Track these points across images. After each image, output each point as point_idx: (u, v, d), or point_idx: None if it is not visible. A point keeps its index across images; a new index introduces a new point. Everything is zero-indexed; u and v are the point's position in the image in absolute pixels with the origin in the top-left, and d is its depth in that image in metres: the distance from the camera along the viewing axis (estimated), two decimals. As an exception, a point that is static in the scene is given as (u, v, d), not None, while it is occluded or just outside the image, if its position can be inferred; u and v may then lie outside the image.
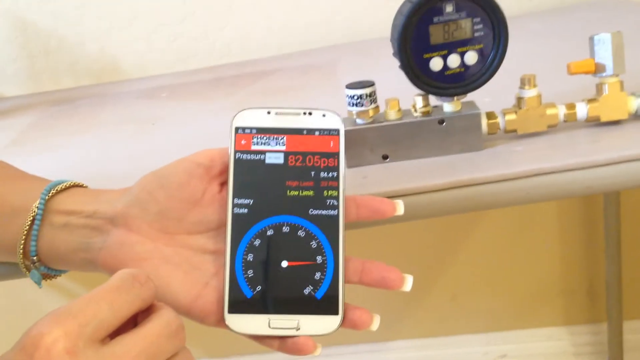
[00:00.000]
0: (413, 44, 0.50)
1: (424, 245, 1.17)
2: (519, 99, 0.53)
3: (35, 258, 0.44)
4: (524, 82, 0.52)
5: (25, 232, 0.43)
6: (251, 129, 0.42)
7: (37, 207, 0.43)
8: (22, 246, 0.43)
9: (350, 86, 0.52)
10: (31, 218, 0.43)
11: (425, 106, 0.53)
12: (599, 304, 1.18)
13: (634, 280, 1.14)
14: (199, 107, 0.81)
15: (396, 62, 0.51)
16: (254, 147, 0.42)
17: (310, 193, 0.42)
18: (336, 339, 1.27)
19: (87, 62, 1.04)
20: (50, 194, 0.44)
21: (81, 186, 0.46)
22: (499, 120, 0.53)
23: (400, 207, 0.42)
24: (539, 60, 0.75)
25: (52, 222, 0.43)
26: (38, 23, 1.02)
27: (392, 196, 0.48)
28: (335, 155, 0.42)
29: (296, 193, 0.42)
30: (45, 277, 0.46)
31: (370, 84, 0.52)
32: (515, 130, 0.53)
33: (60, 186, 0.44)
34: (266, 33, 1.01)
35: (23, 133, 0.82)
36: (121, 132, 0.76)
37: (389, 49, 0.52)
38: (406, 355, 1.24)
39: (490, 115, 0.53)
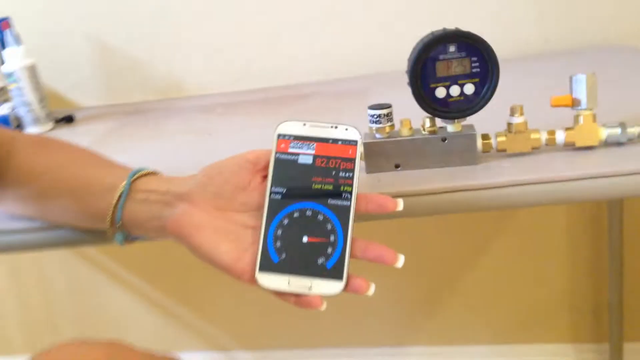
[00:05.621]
0: (422, 76, 0.61)
1: (439, 261, 1.27)
2: (509, 124, 0.64)
3: (119, 224, 0.57)
4: (514, 111, 0.64)
5: (114, 204, 0.56)
6: (289, 136, 0.54)
7: (125, 187, 0.56)
8: (110, 215, 0.57)
9: (371, 107, 0.65)
10: (119, 194, 0.56)
11: (432, 126, 0.64)
12: (603, 324, 1.25)
13: (635, 303, 1.21)
14: (248, 122, 0.94)
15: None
16: (290, 150, 0.54)
17: (330, 187, 0.53)
18: (343, 341, 1.36)
19: (155, 80, 1.18)
20: (134, 177, 0.57)
21: (157, 173, 0.59)
22: (492, 140, 0.64)
23: (400, 204, 0.53)
24: (534, 92, 0.85)
25: (134, 198, 0.56)
26: (115, 45, 1.17)
27: (400, 196, 0.59)
28: (353, 160, 0.53)
29: (319, 186, 0.53)
30: (125, 241, 0.59)
31: (387, 106, 0.64)
32: (505, 150, 0.64)
33: (142, 172, 0.58)
34: (308, 61, 1.13)
35: (100, 138, 0.96)
36: (183, 141, 0.89)
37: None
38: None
39: (484, 137, 0.64)
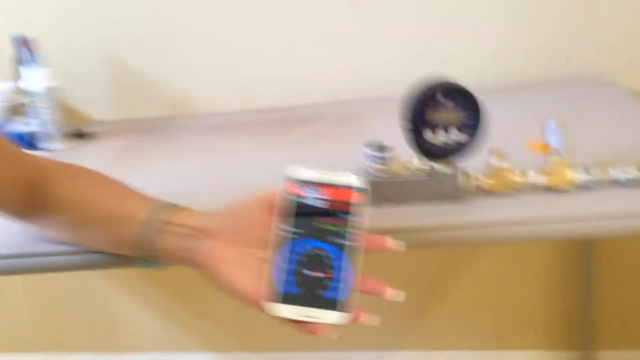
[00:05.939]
0: (416, 123, 0.69)
1: (428, 272, 1.35)
2: (492, 167, 0.72)
3: (148, 253, 0.64)
4: (495, 155, 0.72)
5: (145, 235, 0.63)
6: (300, 180, 0.60)
7: (154, 219, 0.63)
8: (141, 245, 0.64)
9: (369, 147, 0.73)
10: (149, 227, 0.63)
11: (423, 166, 0.73)
12: (576, 333, 1.35)
13: (604, 315, 1.31)
14: (257, 144, 1.01)
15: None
16: (301, 193, 0.60)
17: (336, 228, 0.59)
18: (337, 345, 1.46)
19: (164, 96, 1.24)
20: (162, 211, 0.64)
21: (183, 207, 0.67)
22: (477, 181, 0.72)
23: (399, 245, 0.60)
24: (516, 124, 0.94)
25: (163, 230, 0.63)
26: (127, 63, 1.23)
27: (393, 231, 0.67)
28: (357, 205, 0.59)
29: (326, 227, 0.59)
30: (151, 265, 0.67)
31: (384, 148, 0.72)
32: (487, 189, 0.72)
33: (169, 206, 0.65)
34: (311, 83, 1.20)
35: (116, 157, 1.03)
36: (195, 162, 0.96)
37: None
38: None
39: (470, 178, 0.72)
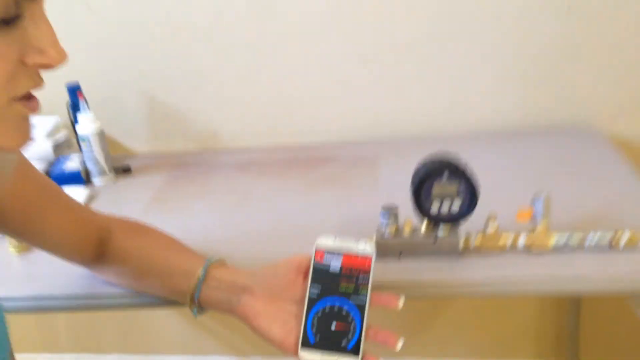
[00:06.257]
0: (423, 194, 0.82)
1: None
2: (484, 230, 0.85)
3: (196, 302, 0.78)
4: (488, 218, 0.85)
5: (193, 288, 0.77)
6: (324, 248, 0.74)
7: (201, 274, 0.77)
8: (190, 295, 0.78)
9: (383, 209, 0.86)
10: (197, 280, 0.77)
11: (427, 228, 0.86)
12: (565, 346, 1.48)
13: (589, 330, 1.44)
14: (280, 185, 1.14)
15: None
16: (324, 259, 0.74)
17: (352, 288, 0.73)
18: None
19: (195, 130, 1.36)
20: (212, 268, 0.78)
21: (225, 264, 0.80)
22: (471, 241, 0.85)
23: (400, 302, 0.74)
24: (507, 183, 1.06)
25: (209, 284, 0.77)
26: (160, 96, 1.35)
27: (400, 284, 0.81)
28: (368, 270, 0.73)
29: (345, 287, 0.73)
30: (200, 312, 0.80)
31: (396, 213, 0.85)
32: (480, 248, 0.85)
33: (214, 262, 0.79)
34: (330, 123, 1.32)
35: (157, 194, 1.15)
36: (224, 202, 1.09)
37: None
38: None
39: (466, 238, 0.85)
